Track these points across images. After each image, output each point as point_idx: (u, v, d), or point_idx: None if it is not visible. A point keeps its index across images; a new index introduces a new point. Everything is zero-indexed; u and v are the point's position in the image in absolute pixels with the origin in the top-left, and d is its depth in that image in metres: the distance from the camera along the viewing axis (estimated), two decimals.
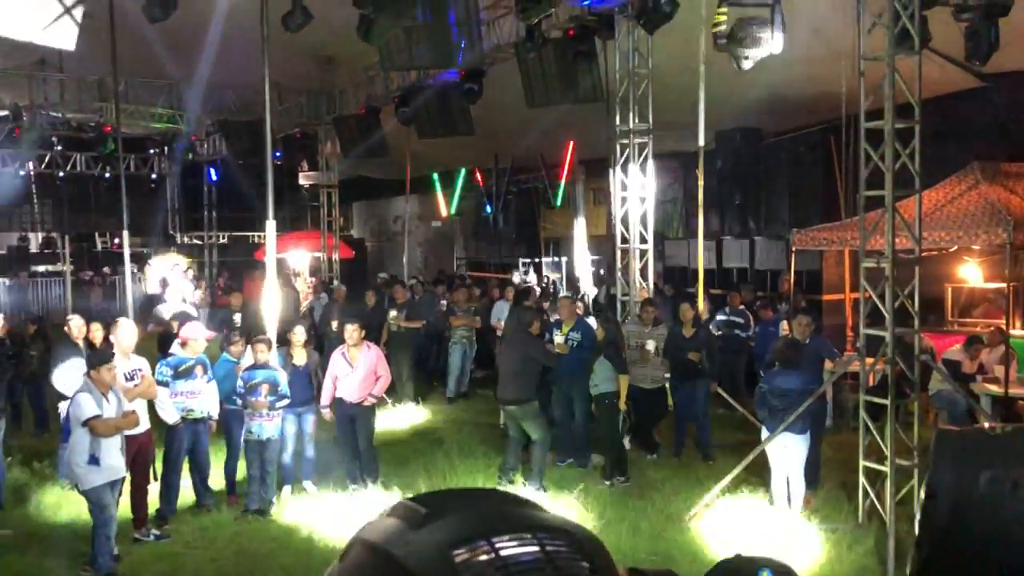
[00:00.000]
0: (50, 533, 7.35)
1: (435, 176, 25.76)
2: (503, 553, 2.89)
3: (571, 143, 19.31)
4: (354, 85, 17.75)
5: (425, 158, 20.72)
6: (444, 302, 13.81)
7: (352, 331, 8.60)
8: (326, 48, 16.52)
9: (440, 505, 3.11)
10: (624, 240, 11.41)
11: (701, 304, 11.03)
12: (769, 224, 16.18)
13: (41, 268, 26.22)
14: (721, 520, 7.45)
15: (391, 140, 17.51)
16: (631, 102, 10.98)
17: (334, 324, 12.42)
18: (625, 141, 11.12)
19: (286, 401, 7.91)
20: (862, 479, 7.19)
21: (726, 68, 8.90)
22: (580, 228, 19.85)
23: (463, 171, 24.85)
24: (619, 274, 11.56)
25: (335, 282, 18.94)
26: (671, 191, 19.11)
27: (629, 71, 10.95)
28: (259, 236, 31.04)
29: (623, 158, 11.19)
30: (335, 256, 21.58)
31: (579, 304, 10.44)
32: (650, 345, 9.34)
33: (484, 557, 2.84)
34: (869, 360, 7.34)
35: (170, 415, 7.57)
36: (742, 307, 11.89)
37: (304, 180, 24.13)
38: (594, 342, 9.08)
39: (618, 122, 11.12)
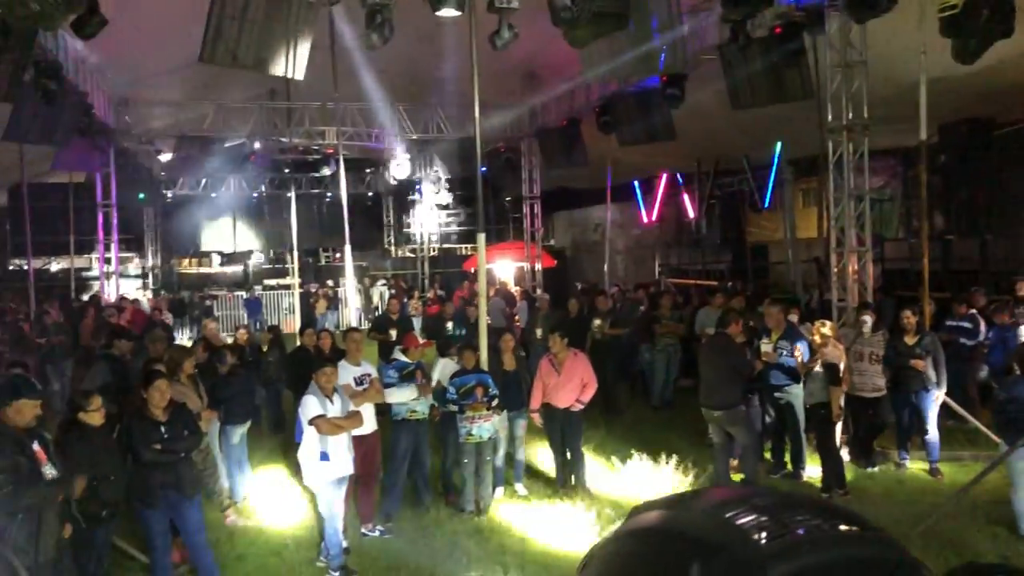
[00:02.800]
0: (289, 525, 7.98)
1: (636, 183, 25.71)
2: (781, 516, 2.93)
3: (779, 143, 18.66)
4: (555, 97, 18.06)
5: (626, 165, 20.74)
6: (641, 308, 13.75)
7: (556, 339, 8.79)
8: (528, 63, 16.95)
9: (696, 491, 3.22)
10: (839, 242, 10.88)
11: (926, 309, 10.31)
12: (1003, 222, 14.87)
13: (273, 282, 28.52)
14: (953, 538, 6.93)
15: (592, 149, 17.67)
16: (844, 97, 10.46)
17: (538, 332, 12.71)
18: (839, 138, 10.60)
19: (496, 402, 8.18)
20: None
21: (950, 54, 8.32)
22: (788, 230, 19.13)
23: (664, 177, 24.64)
24: (834, 278, 11.03)
25: (538, 291, 19.34)
26: (889, 189, 18.02)
27: (841, 64, 10.43)
28: (466, 248, 32.26)
29: (836, 156, 10.68)
30: (538, 265, 22.03)
31: (794, 311, 10.05)
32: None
33: (757, 515, 2.90)
34: None
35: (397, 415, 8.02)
36: (971, 312, 10.99)
37: (507, 193, 24.77)
38: (805, 351, 8.74)
39: (830, 118, 10.62)
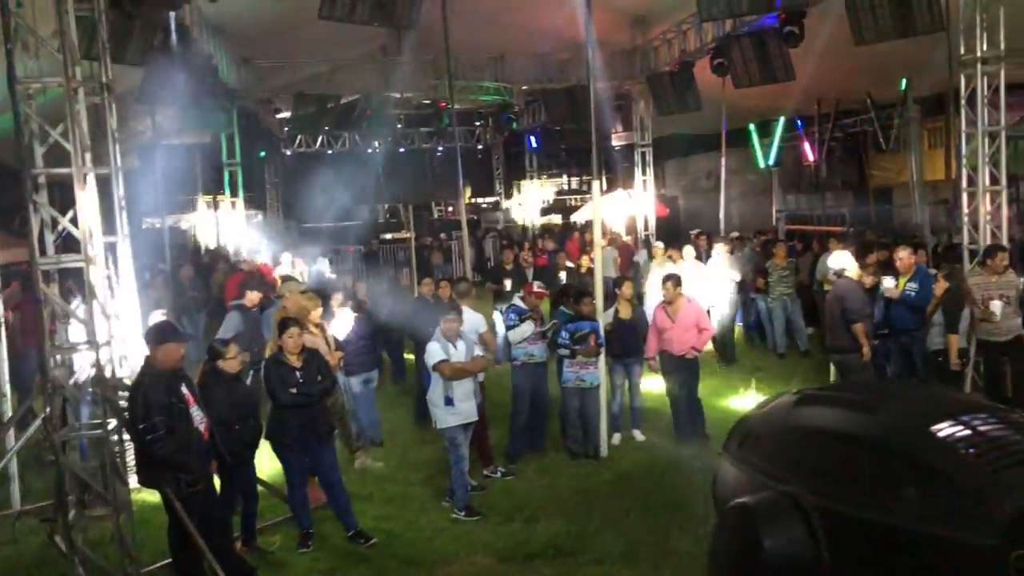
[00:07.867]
0: (416, 467, 8.28)
1: (751, 127, 24.95)
2: (980, 428, 2.87)
3: (904, 80, 17.76)
4: (667, 41, 17.67)
5: (740, 109, 20.15)
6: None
7: (670, 287, 8.76)
8: (639, 6, 16.63)
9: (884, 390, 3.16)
10: (970, 182, 10.34)
11: None
12: None
13: (388, 236, 29.14)
14: None
15: (705, 94, 17.24)
16: (978, 27, 9.84)
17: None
18: (972, 71, 10.01)
19: (602, 350, 8.25)
20: None
21: None
22: (915, 172, 18.28)
23: (782, 120, 23.83)
24: (965, 220, 10.51)
25: (652, 240, 19.14)
26: None
27: None
28: (575, 199, 32.14)
29: (969, 90, 10.10)
30: (650, 214, 21.75)
31: (920, 254, 9.73)
32: (995, 307, 8.37)
33: (962, 431, 2.83)
34: None
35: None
36: None
37: (617, 141, 24.42)
38: (931, 295, 8.56)
39: (963, 51, 10.03)
